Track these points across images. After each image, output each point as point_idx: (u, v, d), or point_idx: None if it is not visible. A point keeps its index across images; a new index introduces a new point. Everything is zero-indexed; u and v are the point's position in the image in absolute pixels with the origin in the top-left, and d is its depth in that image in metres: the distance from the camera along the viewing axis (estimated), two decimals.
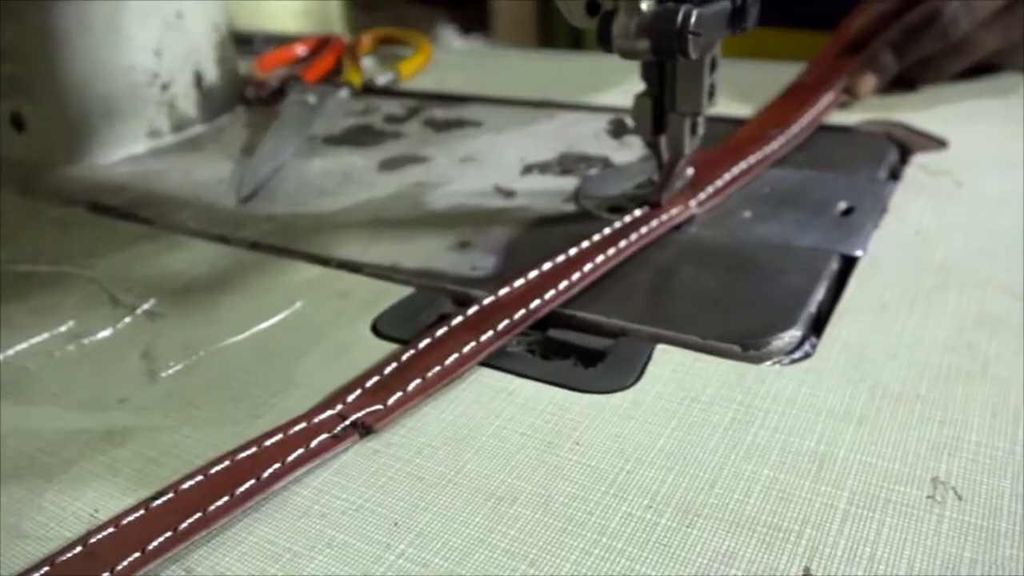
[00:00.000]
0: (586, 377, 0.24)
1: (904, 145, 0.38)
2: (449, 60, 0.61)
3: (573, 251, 0.29)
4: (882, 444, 0.20)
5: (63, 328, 0.29)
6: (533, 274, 0.28)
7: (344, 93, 0.52)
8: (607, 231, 0.30)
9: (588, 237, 0.29)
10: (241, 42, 0.64)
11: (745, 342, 0.24)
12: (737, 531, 0.18)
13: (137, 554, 0.18)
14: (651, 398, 0.23)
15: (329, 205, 0.37)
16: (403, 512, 0.19)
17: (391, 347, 0.26)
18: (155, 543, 0.18)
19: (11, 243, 0.36)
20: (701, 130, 0.32)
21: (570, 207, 0.35)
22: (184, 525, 0.19)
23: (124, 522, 0.19)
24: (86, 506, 0.20)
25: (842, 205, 0.33)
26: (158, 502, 0.20)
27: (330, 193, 0.39)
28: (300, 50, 0.61)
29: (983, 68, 0.45)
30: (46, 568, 0.18)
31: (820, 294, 0.27)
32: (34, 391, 0.25)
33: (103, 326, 0.29)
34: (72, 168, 0.45)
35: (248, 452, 0.21)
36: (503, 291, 0.27)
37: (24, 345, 0.28)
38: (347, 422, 0.22)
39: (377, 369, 0.24)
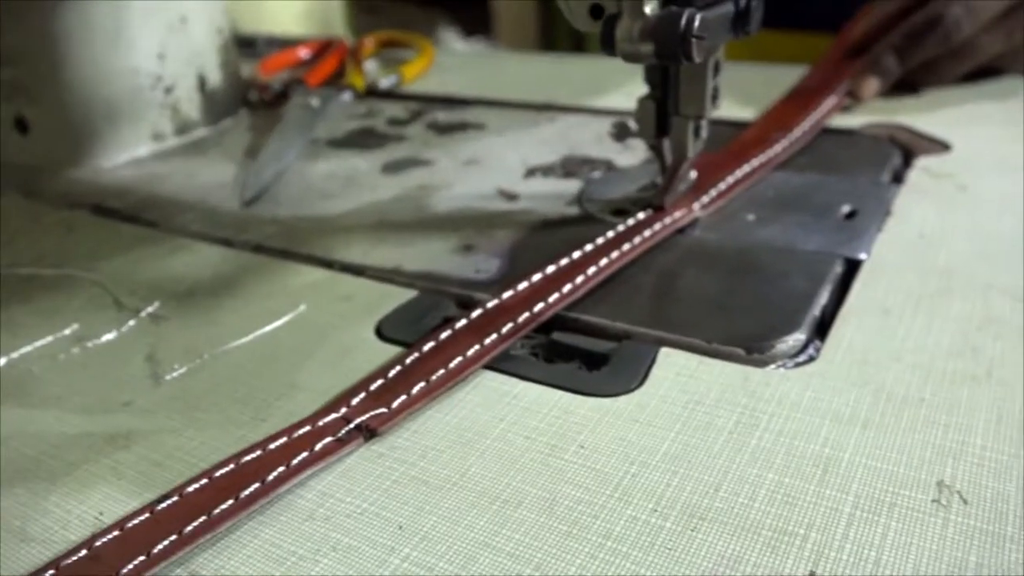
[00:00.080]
0: (590, 380, 0.24)
1: (907, 148, 0.39)
2: (451, 63, 0.61)
3: (576, 254, 0.29)
4: (887, 448, 0.20)
5: (67, 331, 0.29)
6: (537, 277, 0.28)
7: (347, 96, 0.52)
8: (610, 234, 0.30)
9: (591, 240, 0.30)
10: (244, 45, 0.64)
11: (749, 345, 0.24)
12: (742, 535, 0.18)
13: (142, 557, 0.18)
14: (655, 401, 0.23)
15: (332, 208, 0.37)
16: (408, 515, 0.19)
17: (395, 350, 0.26)
18: (160, 546, 0.18)
19: (14, 246, 0.36)
20: (704, 133, 0.32)
21: (573, 210, 0.35)
22: (189, 528, 0.19)
23: (129, 525, 0.19)
24: (91, 509, 0.20)
25: (845, 208, 0.33)
26: (163, 505, 0.20)
27: (333, 196, 0.39)
28: (303, 53, 0.61)
29: (986, 72, 0.45)
30: (51, 571, 0.18)
31: (824, 297, 0.27)
32: (38, 394, 0.25)
33: (107, 329, 0.29)
34: (75, 171, 0.45)
35: (252, 455, 0.21)
36: (507, 294, 0.27)
37: (28, 348, 0.28)
38: (351, 425, 0.22)
39: (381, 372, 0.24)
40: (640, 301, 0.27)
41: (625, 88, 0.49)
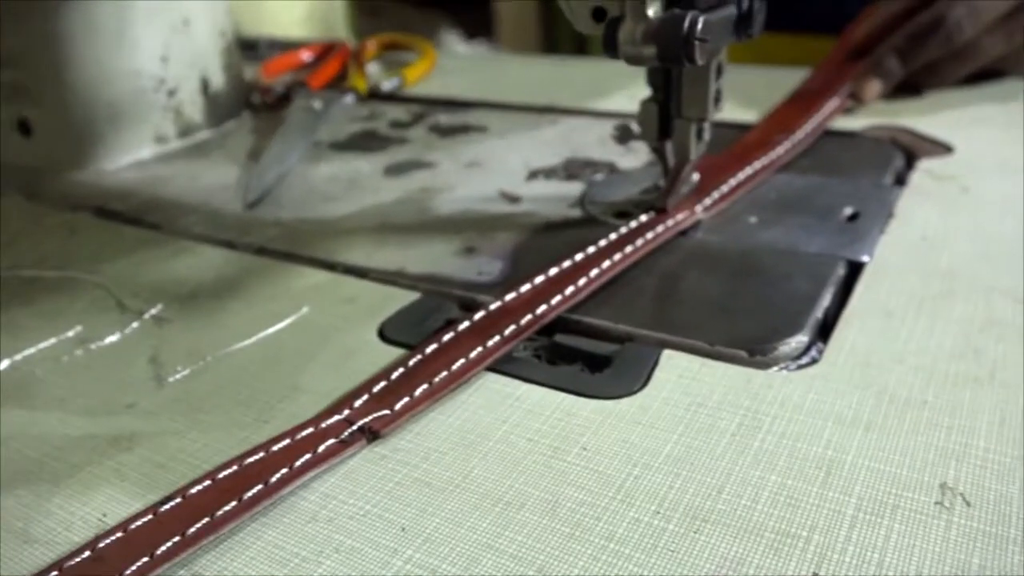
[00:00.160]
0: (593, 382, 0.24)
1: (910, 150, 0.39)
2: (454, 65, 0.61)
3: (579, 256, 0.29)
4: (890, 450, 0.20)
5: (70, 333, 0.29)
6: (539, 279, 0.28)
7: (349, 99, 0.52)
8: (613, 236, 0.30)
9: (594, 242, 0.30)
10: (247, 48, 0.64)
11: (752, 348, 0.24)
12: (745, 537, 0.18)
13: (145, 559, 0.18)
14: (658, 403, 0.23)
15: (335, 210, 0.38)
16: (410, 517, 0.19)
17: (398, 352, 0.26)
18: (163, 548, 0.18)
19: (17, 248, 0.36)
20: (707, 136, 0.32)
21: (576, 212, 0.35)
22: (192, 530, 0.19)
23: (132, 527, 0.19)
24: (94, 511, 0.20)
25: (848, 210, 0.33)
26: (166, 507, 0.20)
27: (336, 198, 0.39)
28: (305, 56, 0.61)
29: (988, 74, 0.45)
30: (55, 573, 0.18)
31: (826, 300, 0.27)
32: (41, 396, 0.25)
33: (110, 331, 0.29)
34: (78, 173, 0.45)
35: (256, 457, 0.21)
36: (509, 296, 0.27)
37: (32, 350, 0.28)
38: (354, 427, 0.22)
39: (384, 374, 0.24)
40: (643, 303, 0.27)
41: (628, 90, 0.49)
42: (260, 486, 0.20)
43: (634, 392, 0.23)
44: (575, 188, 0.37)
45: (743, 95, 0.44)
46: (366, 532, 0.19)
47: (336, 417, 0.22)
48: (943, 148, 0.38)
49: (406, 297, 0.29)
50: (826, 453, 0.20)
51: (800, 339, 0.25)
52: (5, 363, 0.27)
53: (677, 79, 0.31)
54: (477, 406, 0.23)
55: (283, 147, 0.44)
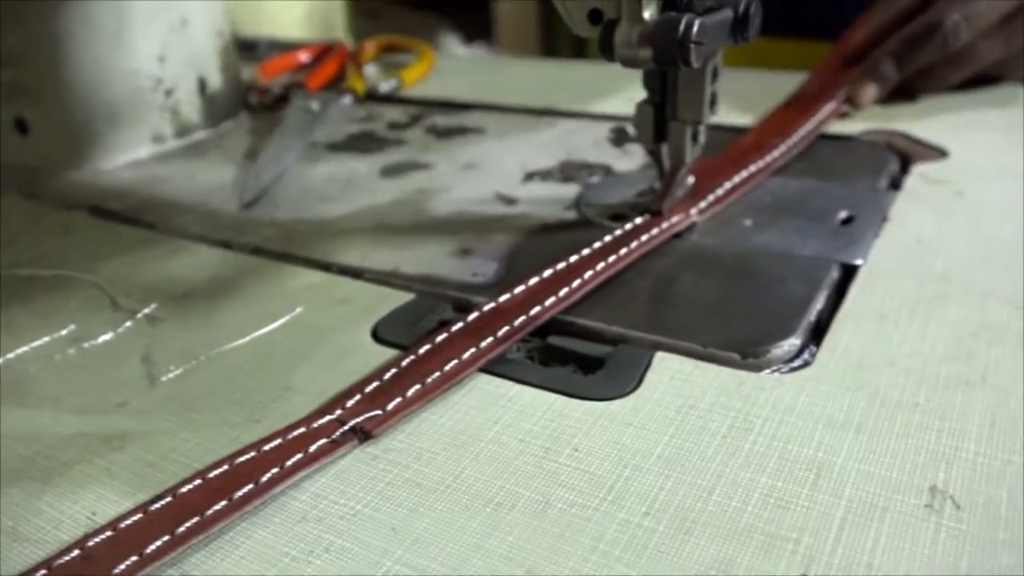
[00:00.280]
0: (585, 384, 0.24)
1: (905, 155, 0.39)
2: (451, 67, 0.61)
3: (573, 258, 0.29)
4: (880, 453, 0.20)
5: (64, 332, 0.29)
6: (533, 281, 0.28)
7: (347, 100, 0.52)
8: (608, 239, 0.30)
9: (589, 244, 0.30)
10: (245, 48, 0.64)
11: (744, 350, 0.24)
12: (734, 539, 0.18)
13: (134, 558, 0.18)
14: (650, 405, 0.23)
15: (331, 211, 0.38)
16: (401, 518, 0.19)
17: (391, 353, 0.26)
18: (152, 547, 0.18)
19: (13, 247, 0.36)
20: (702, 138, 0.32)
21: (571, 214, 0.35)
22: (182, 529, 0.19)
23: (122, 525, 0.19)
24: (84, 510, 0.20)
25: (842, 214, 0.33)
26: (156, 506, 0.20)
27: (332, 199, 0.39)
28: (303, 57, 0.62)
29: (984, 79, 0.45)
30: (43, 571, 0.18)
31: (820, 302, 0.27)
32: (34, 394, 0.25)
33: (104, 330, 0.29)
34: (75, 172, 0.45)
35: (247, 456, 0.21)
36: (503, 297, 0.27)
37: (25, 348, 0.28)
38: (346, 427, 0.22)
39: (377, 374, 0.24)
40: (636, 305, 0.27)
41: (625, 93, 0.49)
42: (251, 485, 0.20)
43: (626, 394, 0.23)
44: (571, 190, 0.37)
45: (739, 99, 0.45)
46: (356, 532, 0.19)
47: (328, 417, 0.22)
48: (938, 153, 0.38)
49: (400, 298, 0.29)
50: (817, 455, 0.21)
51: (793, 342, 0.25)
52: None
53: (673, 82, 0.31)
54: (469, 407, 0.23)
55: (280, 147, 0.44)
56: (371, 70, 0.60)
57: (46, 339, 0.28)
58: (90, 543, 0.19)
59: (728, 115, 0.40)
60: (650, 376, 0.24)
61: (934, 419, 0.21)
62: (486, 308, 0.26)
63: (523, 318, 0.26)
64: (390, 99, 0.54)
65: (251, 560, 0.19)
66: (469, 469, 0.21)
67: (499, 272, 0.30)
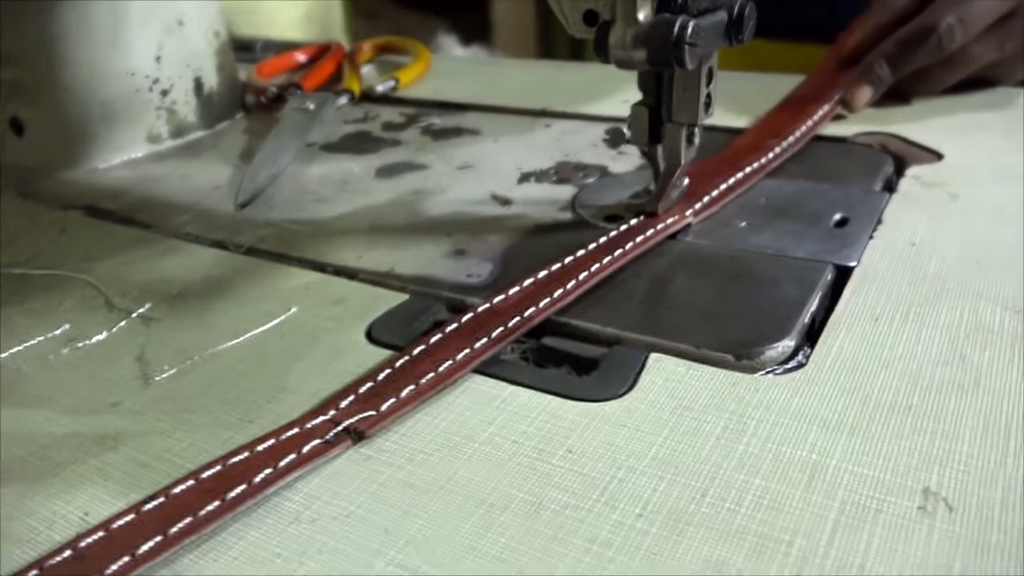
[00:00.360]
0: (579, 385, 0.24)
1: (899, 157, 0.39)
2: (448, 68, 0.61)
3: (568, 259, 0.29)
4: (873, 455, 0.20)
5: (58, 331, 0.29)
6: (528, 282, 0.28)
7: (343, 100, 0.52)
8: (603, 240, 0.30)
9: (584, 246, 0.30)
10: (243, 49, 0.64)
11: (739, 351, 0.24)
12: (727, 541, 0.18)
13: (127, 558, 0.18)
14: (644, 406, 0.23)
15: (326, 211, 0.38)
16: (394, 519, 0.19)
17: (385, 353, 0.26)
18: (145, 547, 0.18)
19: (9, 246, 0.36)
20: (697, 140, 0.32)
21: (566, 215, 0.35)
22: (174, 529, 0.19)
23: (114, 526, 0.19)
24: (76, 510, 0.20)
25: (837, 216, 0.33)
26: (149, 506, 0.20)
27: (327, 200, 0.39)
28: (300, 57, 0.61)
29: (978, 82, 0.45)
30: (35, 572, 0.18)
31: (814, 304, 0.27)
32: (27, 394, 0.25)
33: (98, 330, 0.29)
34: (71, 172, 0.45)
35: (240, 457, 0.21)
36: (498, 298, 0.27)
37: (19, 348, 0.28)
38: (339, 428, 0.22)
39: (371, 375, 0.24)
40: (631, 306, 0.27)
41: (621, 95, 0.49)
42: (243, 486, 0.20)
43: (620, 395, 0.23)
44: (566, 191, 0.37)
45: (735, 101, 0.45)
46: (349, 533, 0.19)
47: (321, 418, 0.22)
48: (933, 155, 0.38)
49: (395, 298, 0.29)
50: (810, 457, 0.21)
51: (787, 343, 0.25)
52: None
53: (668, 83, 0.31)
54: (463, 408, 0.23)
55: (276, 148, 0.44)
56: (368, 71, 0.60)
57: (40, 338, 0.28)
58: (82, 543, 0.18)
59: (723, 117, 0.40)
60: (644, 377, 0.24)
61: (927, 421, 0.21)
62: (480, 309, 0.26)
63: (517, 319, 0.26)
64: (386, 100, 0.54)
65: (244, 561, 0.18)
66: (462, 470, 0.21)
67: (494, 273, 0.30)
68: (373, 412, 0.22)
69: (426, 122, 0.49)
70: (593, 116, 0.47)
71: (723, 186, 0.34)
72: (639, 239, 0.30)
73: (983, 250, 0.30)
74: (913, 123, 0.42)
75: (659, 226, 0.31)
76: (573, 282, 0.27)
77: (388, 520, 0.19)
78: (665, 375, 0.24)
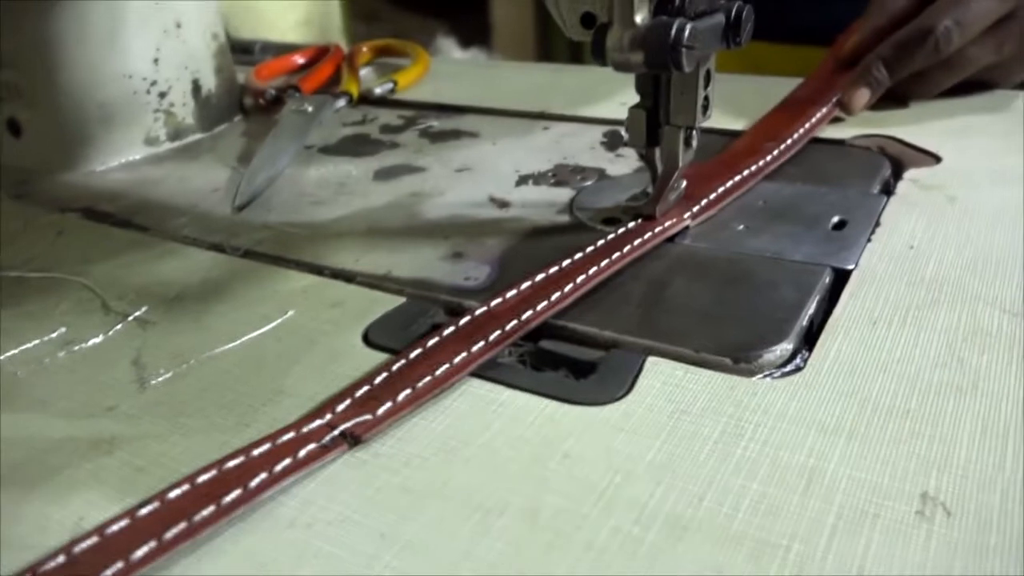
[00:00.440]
0: (577, 389, 0.24)
1: (897, 160, 0.39)
2: (447, 71, 0.61)
3: (566, 262, 0.29)
4: (871, 459, 0.20)
5: (54, 334, 0.29)
6: (525, 285, 0.28)
7: (342, 102, 0.52)
8: (600, 243, 0.30)
9: (581, 248, 0.30)
10: (242, 51, 0.64)
11: (736, 355, 0.24)
12: (725, 546, 0.18)
13: (121, 564, 0.18)
14: (641, 410, 0.23)
15: (324, 214, 0.37)
16: (390, 524, 0.19)
17: (382, 357, 0.26)
18: (139, 552, 0.18)
19: (5, 248, 0.36)
20: (695, 143, 0.32)
21: (564, 218, 0.35)
22: (169, 535, 0.19)
23: (109, 531, 0.19)
24: (71, 515, 0.20)
25: (835, 219, 0.33)
26: (144, 511, 0.19)
27: (325, 202, 0.39)
28: (299, 59, 0.61)
29: (975, 84, 0.45)
30: None
31: (812, 307, 0.27)
32: (23, 398, 0.25)
33: (94, 333, 0.28)
34: (68, 174, 0.45)
35: (235, 461, 0.21)
36: (495, 301, 0.27)
37: (14, 351, 0.28)
38: (336, 432, 0.22)
39: (367, 379, 0.24)
40: (628, 310, 0.27)
41: (619, 97, 0.49)
42: (239, 491, 0.20)
43: (618, 399, 0.23)
44: (564, 194, 0.37)
45: (733, 103, 0.45)
46: (345, 538, 0.19)
47: (318, 422, 0.22)
48: (930, 158, 0.38)
49: (392, 301, 0.29)
50: (808, 461, 0.20)
51: (785, 347, 0.25)
52: None
53: (665, 86, 0.31)
54: (460, 412, 0.23)
55: (274, 150, 0.44)
56: (366, 73, 0.60)
57: (36, 342, 0.28)
58: (76, 548, 0.18)
59: (721, 119, 0.40)
60: (642, 381, 0.24)
61: (925, 425, 0.21)
62: (478, 312, 0.26)
63: (515, 322, 0.26)
64: (385, 102, 0.54)
65: (239, 566, 0.18)
66: (459, 475, 0.21)
67: (491, 276, 0.30)
68: (369, 416, 0.22)
69: (424, 124, 0.49)
70: (591, 119, 0.47)
71: (721, 189, 0.34)
72: (637, 242, 0.30)
73: (981, 253, 0.30)
74: (911, 126, 0.42)
75: (657, 229, 0.31)
76: (571, 285, 0.27)
77: (384, 525, 0.19)
78: (663, 379, 0.24)
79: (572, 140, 0.44)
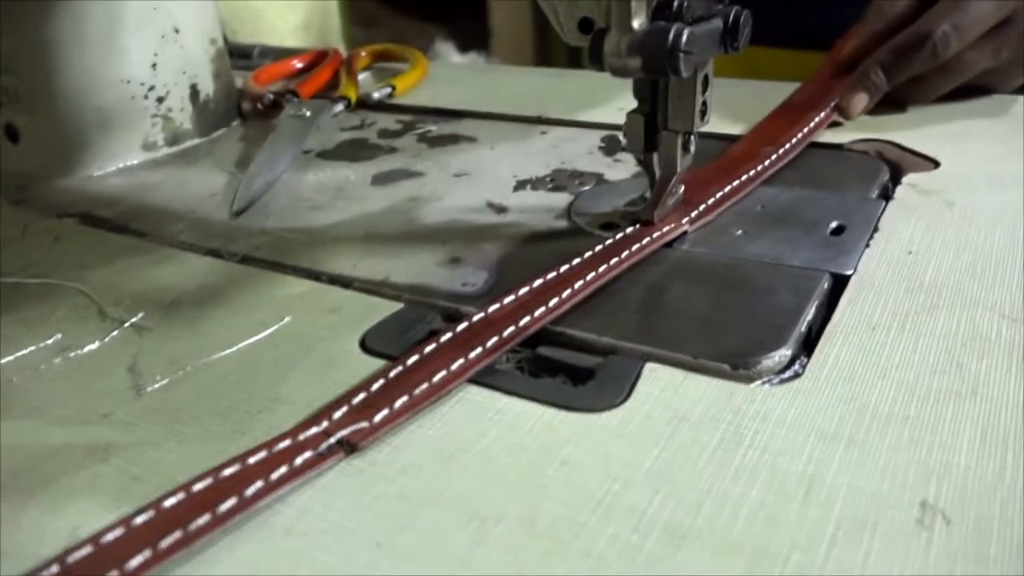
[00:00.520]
0: (575, 395, 0.24)
1: (896, 164, 0.39)
2: (445, 76, 0.61)
3: (564, 268, 0.29)
4: (871, 466, 0.20)
5: (50, 341, 0.28)
6: (523, 291, 0.28)
7: (340, 107, 0.52)
8: (598, 248, 0.30)
9: (579, 254, 0.29)
10: (239, 56, 0.64)
11: (735, 361, 0.24)
12: (724, 554, 0.18)
13: (115, 573, 0.18)
14: (639, 417, 0.23)
15: (321, 219, 0.37)
16: (386, 532, 0.19)
17: (379, 363, 0.26)
18: (134, 562, 0.18)
19: (2, 254, 0.36)
20: (693, 148, 0.32)
21: (562, 223, 0.35)
22: (164, 544, 0.18)
23: (103, 540, 0.19)
24: (66, 524, 0.20)
25: (833, 224, 0.33)
26: (139, 520, 0.19)
27: (323, 207, 0.39)
28: (297, 64, 0.61)
29: (973, 89, 0.45)
30: None
31: (810, 313, 0.27)
32: (18, 405, 0.25)
33: (90, 339, 0.28)
34: (65, 180, 0.44)
35: (231, 469, 0.21)
36: (493, 308, 0.27)
37: (10, 358, 0.28)
38: (332, 440, 0.22)
39: (364, 386, 0.24)
40: (627, 316, 0.27)
41: (617, 102, 0.49)
42: (235, 499, 0.20)
43: (616, 405, 0.23)
44: (562, 199, 0.37)
45: (731, 108, 0.45)
46: (341, 547, 0.19)
47: (314, 429, 0.22)
48: (929, 162, 0.38)
49: (390, 307, 0.29)
50: (807, 469, 0.20)
51: (783, 353, 0.25)
52: None
53: (663, 91, 0.31)
54: (457, 419, 0.23)
55: (272, 155, 0.44)
56: (364, 78, 0.60)
57: (31, 348, 0.28)
58: (70, 558, 0.18)
59: (719, 124, 0.40)
60: (640, 387, 0.24)
61: (925, 432, 0.21)
62: (475, 318, 0.26)
63: (513, 328, 0.26)
64: (383, 107, 0.54)
65: (234, 575, 0.18)
66: (456, 483, 0.21)
67: (489, 281, 0.30)
68: (366, 423, 0.22)
69: (422, 129, 0.49)
70: (589, 124, 0.47)
71: (719, 194, 0.34)
72: (635, 247, 0.30)
73: (980, 258, 0.30)
74: (909, 130, 0.42)
75: (655, 234, 0.31)
76: (568, 291, 0.27)
77: (381, 533, 0.19)
78: (661, 385, 0.24)
79: (570, 145, 0.44)
